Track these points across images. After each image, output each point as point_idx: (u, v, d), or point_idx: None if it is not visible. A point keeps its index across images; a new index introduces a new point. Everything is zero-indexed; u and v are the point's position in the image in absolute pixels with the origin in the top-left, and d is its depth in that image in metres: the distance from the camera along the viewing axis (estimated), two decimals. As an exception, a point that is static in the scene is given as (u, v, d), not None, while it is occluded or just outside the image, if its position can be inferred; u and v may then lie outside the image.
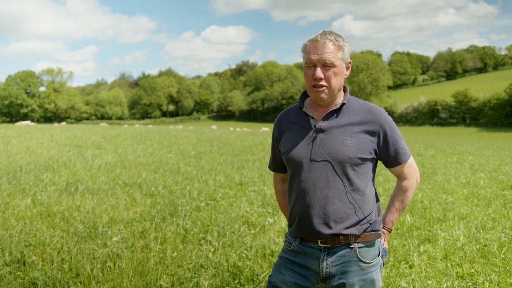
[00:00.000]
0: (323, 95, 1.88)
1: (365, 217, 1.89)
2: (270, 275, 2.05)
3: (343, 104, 1.93)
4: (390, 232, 2.07)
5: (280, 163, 2.14)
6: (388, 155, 1.97)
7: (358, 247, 1.89)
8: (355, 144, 1.87)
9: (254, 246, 4.22)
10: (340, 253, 1.89)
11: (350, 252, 1.89)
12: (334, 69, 1.85)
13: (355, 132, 1.89)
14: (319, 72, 1.85)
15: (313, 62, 1.86)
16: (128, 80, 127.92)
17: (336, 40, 1.86)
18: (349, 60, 1.94)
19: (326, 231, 1.86)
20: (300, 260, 1.94)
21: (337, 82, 1.88)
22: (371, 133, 1.91)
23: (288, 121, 2.03)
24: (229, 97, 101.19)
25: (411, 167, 2.03)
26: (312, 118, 1.95)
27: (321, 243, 1.89)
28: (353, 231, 1.88)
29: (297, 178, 1.93)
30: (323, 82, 1.86)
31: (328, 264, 1.89)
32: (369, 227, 1.91)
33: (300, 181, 1.91)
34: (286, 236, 2.07)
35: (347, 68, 1.94)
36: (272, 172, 2.21)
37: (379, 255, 1.96)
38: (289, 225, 2.03)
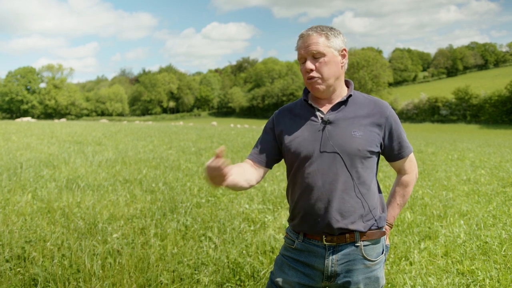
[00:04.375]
0: (317, 86, 1.85)
1: (371, 212, 1.87)
2: (271, 273, 2.00)
3: (350, 96, 1.89)
4: (391, 228, 2.06)
5: (269, 156, 1.98)
6: (392, 149, 1.95)
7: (364, 245, 1.87)
8: (363, 136, 1.84)
9: (254, 242, 4.22)
10: (345, 251, 1.86)
11: (356, 250, 1.86)
12: (324, 58, 1.82)
13: (363, 124, 1.85)
14: (308, 64, 1.82)
15: (303, 57, 1.86)
16: (129, 76, 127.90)
17: (322, 30, 1.84)
18: (343, 47, 1.88)
19: (333, 225, 1.82)
20: (304, 258, 1.89)
21: (330, 71, 1.84)
22: (378, 126, 1.88)
23: (292, 113, 1.97)
24: (230, 94, 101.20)
25: (412, 162, 2.03)
26: (318, 110, 1.90)
27: (326, 241, 1.85)
28: (359, 226, 1.84)
29: (303, 172, 1.87)
30: (314, 74, 1.83)
31: (333, 263, 1.85)
32: (374, 223, 1.89)
33: (307, 174, 1.85)
34: (287, 232, 2.02)
35: (343, 56, 1.89)
36: (264, 167, 2.00)
37: (382, 253, 1.95)
38: (291, 219, 1.98)
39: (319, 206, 1.84)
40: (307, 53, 1.83)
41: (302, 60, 1.87)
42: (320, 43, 1.82)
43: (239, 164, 1.94)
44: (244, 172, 1.90)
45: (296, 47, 1.91)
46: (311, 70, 1.83)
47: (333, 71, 1.85)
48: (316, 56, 1.83)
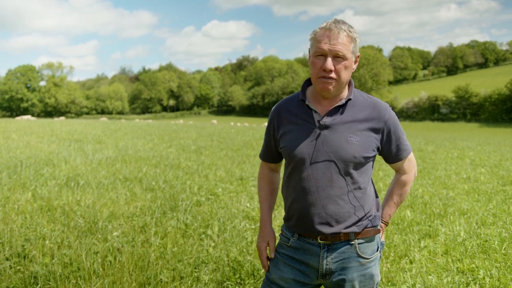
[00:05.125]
0: (330, 87, 1.77)
1: (365, 214, 1.87)
2: (267, 270, 2.01)
3: (349, 99, 1.83)
4: (387, 225, 2.06)
5: (274, 153, 2.06)
6: (390, 151, 1.93)
7: (358, 243, 1.87)
8: (360, 142, 1.80)
9: (254, 241, 4.22)
10: (340, 249, 1.86)
11: (350, 248, 1.86)
12: (346, 62, 1.73)
13: (360, 129, 1.81)
14: (329, 63, 1.71)
15: (324, 52, 1.72)
16: (129, 74, 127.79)
17: (350, 31, 1.74)
18: (358, 54, 1.83)
19: (327, 230, 1.82)
20: (299, 256, 1.90)
21: (346, 75, 1.78)
22: (376, 130, 1.84)
23: (289, 112, 1.92)
24: (230, 92, 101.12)
25: (411, 162, 2.01)
26: (316, 112, 1.85)
27: (321, 240, 1.85)
28: (354, 229, 1.84)
29: (297, 175, 1.85)
30: (332, 75, 1.73)
31: (328, 261, 1.86)
32: (369, 223, 1.88)
33: (301, 178, 1.84)
34: (282, 230, 2.02)
35: (355, 62, 1.82)
36: (277, 162, 2.15)
37: (377, 250, 1.95)
38: (286, 219, 1.98)
39: (313, 212, 1.83)
40: (331, 52, 1.72)
41: (320, 53, 1.75)
42: (347, 46, 1.73)
43: (265, 188, 2.14)
44: (271, 188, 2.15)
45: (313, 35, 1.78)
46: (331, 71, 1.73)
47: (348, 76, 1.80)
48: (338, 57, 1.73)
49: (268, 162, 2.12)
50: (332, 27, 1.73)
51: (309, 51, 1.85)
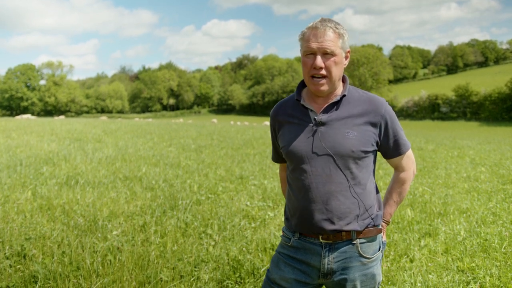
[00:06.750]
0: (323, 87, 1.81)
1: (367, 211, 1.86)
2: (268, 270, 2.00)
3: (344, 95, 1.86)
4: (388, 225, 2.06)
5: (281, 154, 2.09)
6: (388, 146, 1.93)
7: (360, 243, 1.87)
8: (357, 137, 1.81)
9: (254, 239, 4.22)
10: (342, 249, 1.86)
11: (352, 248, 1.86)
12: (335, 58, 1.77)
13: (357, 124, 1.83)
14: (319, 61, 1.76)
15: (313, 51, 1.77)
16: (129, 73, 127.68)
17: (336, 28, 1.79)
18: (348, 49, 1.86)
19: (328, 227, 1.82)
20: (300, 256, 1.89)
21: (337, 71, 1.81)
22: (373, 124, 1.85)
23: (286, 114, 1.96)
24: (230, 91, 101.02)
25: (410, 158, 2.00)
26: (311, 110, 1.88)
27: (322, 239, 1.85)
28: (356, 226, 1.84)
29: (297, 173, 1.87)
30: (323, 72, 1.77)
31: (329, 261, 1.85)
32: (370, 222, 1.88)
33: (301, 175, 1.85)
34: (283, 231, 2.02)
35: (346, 57, 1.86)
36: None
37: (379, 250, 1.95)
38: (286, 219, 1.98)
39: (313, 208, 1.83)
40: (319, 49, 1.77)
41: (309, 52, 1.79)
42: (335, 42, 1.77)
43: (284, 180, 2.20)
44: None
45: (302, 36, 1.83)
46: (321, 68, 1.77)
47: (339, 72, 1.82)
48: (327, 54, 1.77)
49: (281, 162, 2.17)
50: (318, 25, 1.78)
51: (300, 52, 1.88)
